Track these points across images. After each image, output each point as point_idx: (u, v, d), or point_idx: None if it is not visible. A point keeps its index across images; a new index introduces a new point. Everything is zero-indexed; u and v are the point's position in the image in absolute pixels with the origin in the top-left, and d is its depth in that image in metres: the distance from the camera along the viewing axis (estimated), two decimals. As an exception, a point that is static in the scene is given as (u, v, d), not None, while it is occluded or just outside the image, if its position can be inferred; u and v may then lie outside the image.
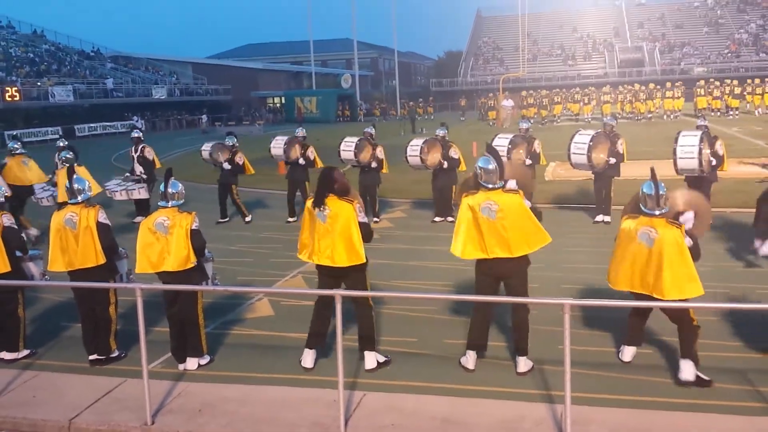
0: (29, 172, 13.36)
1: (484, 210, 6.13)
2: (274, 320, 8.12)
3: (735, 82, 40.03)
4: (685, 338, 5.92)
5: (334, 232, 6.26)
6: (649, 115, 39.84)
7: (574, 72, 64.84)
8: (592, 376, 6.13)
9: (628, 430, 5.25)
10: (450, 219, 13.28)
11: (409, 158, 13.48)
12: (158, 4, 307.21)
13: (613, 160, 12.38)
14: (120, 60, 62.14)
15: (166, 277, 6.59)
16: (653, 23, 71.26)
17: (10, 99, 41.39)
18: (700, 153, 10.96)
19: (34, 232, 12.26)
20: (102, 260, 6.74)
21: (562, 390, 5.01)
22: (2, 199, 7.41)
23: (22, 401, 6.16)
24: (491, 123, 41.83)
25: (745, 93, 39.42)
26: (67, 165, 12.94)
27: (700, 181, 11.62)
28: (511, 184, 6.47)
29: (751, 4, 69.24)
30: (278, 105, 67.95)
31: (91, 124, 46.27)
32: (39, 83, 45.72)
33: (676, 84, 40.98)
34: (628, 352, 6.45)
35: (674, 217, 5.97)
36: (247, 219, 14.13)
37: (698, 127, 11.99)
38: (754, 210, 9.11)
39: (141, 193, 14.16)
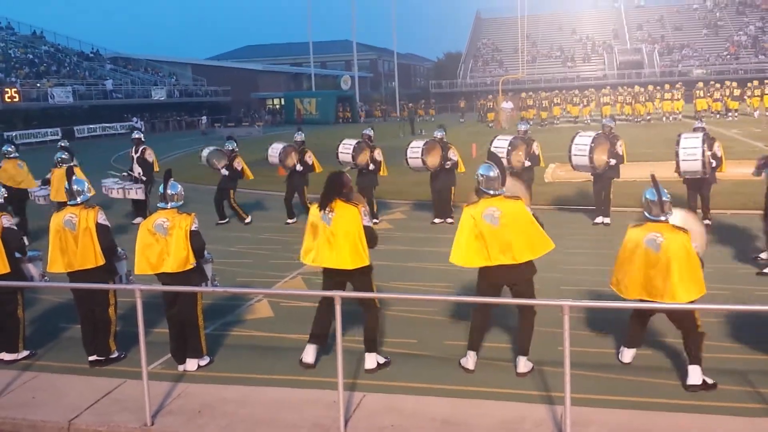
0: (24, 175, 13.36)
1: (487, 217, 6.12)
2: (274, 321, 8.12)
3: (734, 84, 40.09)
4: (691, 344, 5.89)
5: (338, 235, 6.27)
6: (648, 117, 39.89)
7: (573, 74, 64.93)
8: (591, 378, 6.13)
9: (628, 430, 5.24)
10: (450, 220, 13.29)
11: (409, 160, 13.47)
12: (158, 5, 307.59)
13: (613, 162, 12.39)
14: (119, 61, 62.13)
15: (165, 278, 6.58)
16: (652, 25, 71.35)
17: (9, 100, 41.36)
18: (703, 155, 10.99)
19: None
20: (101, 261, 6.73)
21: (562, 391, 5.01)
22: (1, 201, 7.40)
23: (21, 402, 6.15)
24: (490, 125, 41.85)
25: (745, 96, 39.48)
26: (62, 166, 13.01)
27: (700, 182, 11.65)
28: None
29: (750, 6, 69.38)
30: (278, 106, 67.97)
31: (91, 126, 46.23)
32: (38, 84, 45.70)
33: (676, 86, 41.00)
34: (627, 354, 6.45)
35: None
36: (247, 221, 14.13)
37: (695, 129, 12.00)
38: (753, 212, 9.12)
39: (138, 193, 14.16)
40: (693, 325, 5.87)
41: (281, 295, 9.02)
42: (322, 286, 6.65)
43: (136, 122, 48.38)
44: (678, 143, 11.29)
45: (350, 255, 6.27)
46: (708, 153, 11.22)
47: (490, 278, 6.26)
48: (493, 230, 6.07)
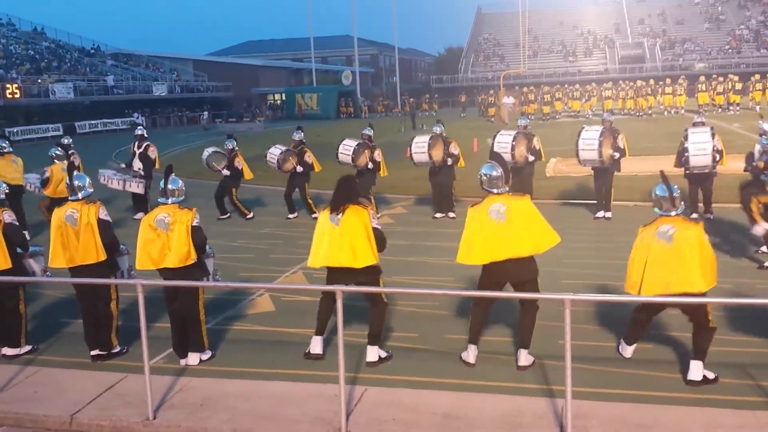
0: (18, 171, 13.34)
1: (493, 213, 6.13)
2: (275, 316, 8.13)
3: (736, 77, 39.99)
4: (701, 340, 5.85)
5: (346, 235, 6.28)
6: (650, 111, 39.82)
7: (574, 68, 64.79)
8: (592, 371, 6.14)
9: (628, 424, 5.25)
10: (451, 215, 13.30)
11: (414, 155, 13.37)
12: (158, 1, 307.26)
13: (617, 155, 12.42)
14: (120, 57, 62.07)
15: (167, 273, 6.59)
16: (654, 19, 71.18)
17: (10, 96, 41.38)
18: (713, 149, 11.06)
19: None
20: (103, 256, 6.74)
21: (562, 384, 5.01)
22: (2, 196, 7.41)
23: (24, 397, 6.17)
24: (491, 120, 41.79)
25: (748, 92, 39.40)
26: (58, 162, 13.01)
27: (703, 177, 11.64)
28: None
29: (752, 0, 69.13)
30: (279, 102, 67.91)
31: (92, 121, 46.22)
32: (39, 80, 45.71)
33: (679, 81, 40.90)
34: (628, 350, 6.42)
35: None
36: (249, 216, 14.14)
37: (695, 124, 12.02)
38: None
39: (139, 187, 14.17)
40: (705, 319, 5.84)
41: (282, 290, 9.03)
42: (327, 282, 6.64)
43: (137, 118, 48.39)
44: (686, 138, 11.27)
45: (358, 253, 6.27)
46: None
47: (494, 276, 6.25)
48: (499, 225, 6.08)
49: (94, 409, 5.86)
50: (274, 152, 13.86)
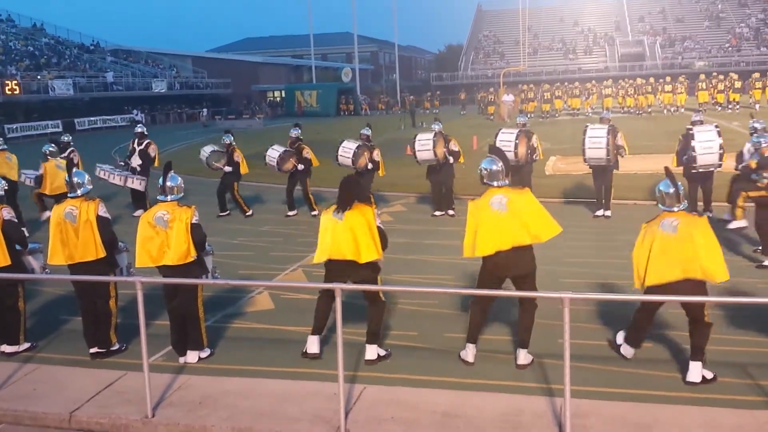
0: (13, 167, 13.33)
1: (495, 204, 6.16)
2: (275, 313, 8.13)
3: (736, 76, 39.96)
4: (697, 337, 5.85)
5: (350, 229, 6.28)
6: (649, 110, 39.80)
7: (574, 66, 64.75)
8: (591, 370, 6.14)
9: (627, 423, 5.25)
10: (451, 212, 13.30)
11: (419, 153, 13.28)
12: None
13: (623, 153, 12.47)
14: (120, 53, 61.96)
15: (166, 270, 6.59)
16: (654, 17, 71.14)
17: (10, 92, 41.30)
18: (720, 148, 11.05)
19: None
20: (102, 254, 6.73)
21: (561, 383, 5.01)
22: (2, 193, 7.40)
23: (23, 394, 6.16)
24: (490, 117, 41.76)
25: (748, 90, 39.37)
26: (51, 158, 12.99)
27: (704, 175, 11.63)
28: None
29: (752, -2, 69.14)
30: (278, 99, 67.84)
31: (91, 118, 46.19)
32: (39, 77, 45.62)
33: (679, 79, 40.87)
34: (629, 351, 6.40)
35: None
36: (248, 213, 14.14)
37: (694, 123, 12.01)
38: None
39: (141, 184, 14.16)
40: (701, 314, 5.84)
41: (282, 288, 9.02)
42: (325, 279, 6.65)
43: (137, 115, 48.35)
44: (693, 137, 11.22)
45: (362, 247, 6.27)
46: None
47: (494, 269, 6.25)
48: (501, 216, 6.11)
49: (93, 407, 5.86)
50: (273, 154, 13.87)
